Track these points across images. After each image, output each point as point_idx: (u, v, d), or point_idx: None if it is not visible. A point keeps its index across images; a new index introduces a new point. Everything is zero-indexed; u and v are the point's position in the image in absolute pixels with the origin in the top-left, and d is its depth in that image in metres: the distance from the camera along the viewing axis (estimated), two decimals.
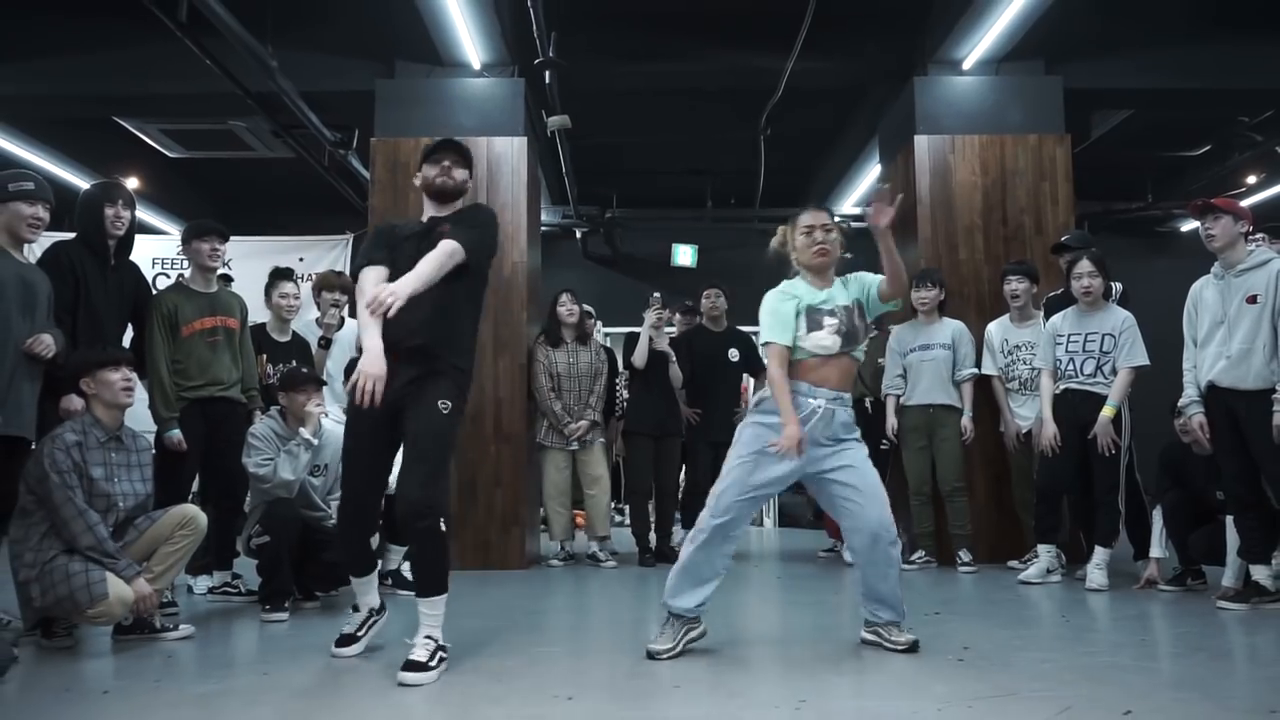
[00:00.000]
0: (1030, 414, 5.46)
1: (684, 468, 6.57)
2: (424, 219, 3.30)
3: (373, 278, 3.10)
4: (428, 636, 2.99)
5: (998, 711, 2.49)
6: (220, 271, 5.21)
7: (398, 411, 3.05)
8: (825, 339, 3.25)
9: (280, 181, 9.16)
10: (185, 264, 8.55)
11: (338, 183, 8.09)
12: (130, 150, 8.08)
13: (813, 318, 3.27)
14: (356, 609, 3.38)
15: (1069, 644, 3.47)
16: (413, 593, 4.67)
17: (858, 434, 3.37)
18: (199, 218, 9.61)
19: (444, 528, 3.00)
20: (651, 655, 3.17)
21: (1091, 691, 2.68)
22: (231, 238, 8.49)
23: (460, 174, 3.29)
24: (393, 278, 3.04)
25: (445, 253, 3.04)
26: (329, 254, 9.07)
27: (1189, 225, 9.83)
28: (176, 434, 4.31)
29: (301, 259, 8.64)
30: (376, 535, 3.37)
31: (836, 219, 3.44)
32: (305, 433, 4.33)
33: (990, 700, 2.60)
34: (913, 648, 3.24)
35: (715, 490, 3.33)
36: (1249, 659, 3.28)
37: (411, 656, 2.92)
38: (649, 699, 2.73)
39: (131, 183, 8.58)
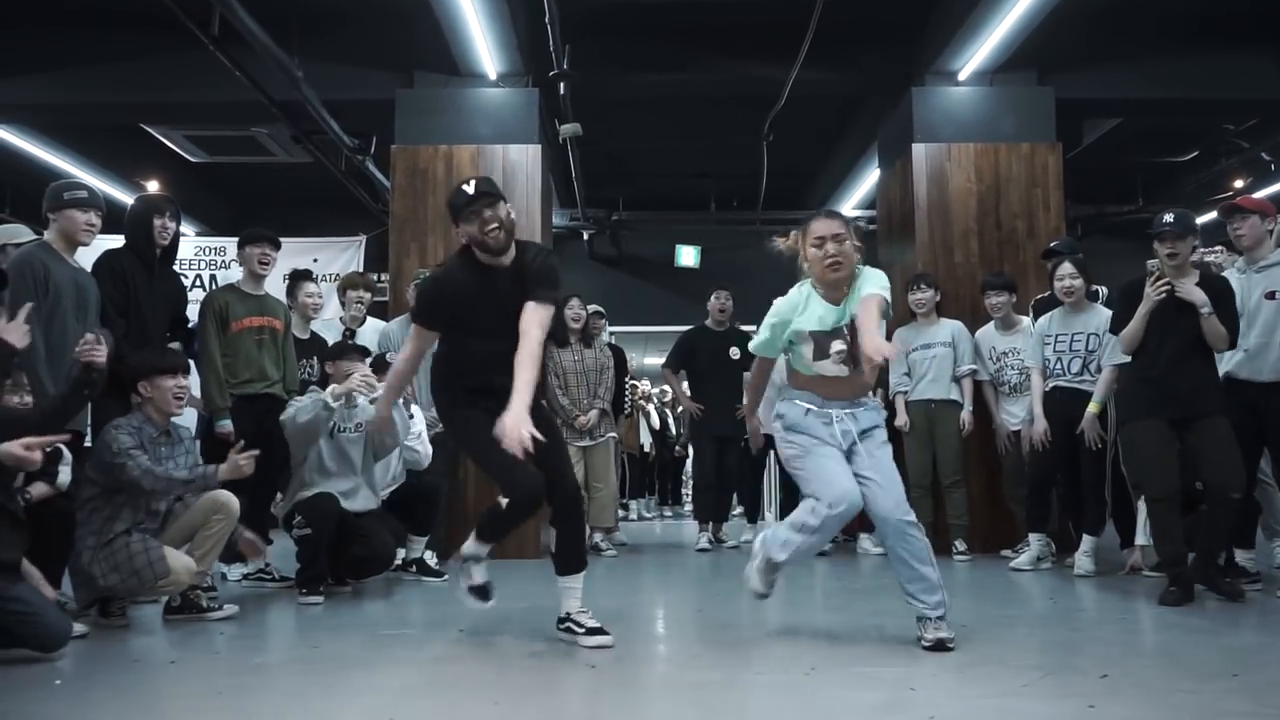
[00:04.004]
0: (1020, 413, 5.72)
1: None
2: (476, 263, 3.25)
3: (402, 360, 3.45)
4: (583, 609, 3.30)
5: (986, 676, 2.76)
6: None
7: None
8: (831, 369, 3.20)
9: (294, 185, 9.43)
10: (202, 264, 8.95)
11: (354, 187, 8.35)
12: (152, 155, 8.35)
13: (820, 344, 3.18)
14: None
15: (1054, 622, 3.75)
16: (436, 580, 5.04)
17: (881, 422, 3.33)
18: (216, 218, 9.92)
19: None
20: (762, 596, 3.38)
21: (1072, 660, 2.96)
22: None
23: (503, 215, 3.16)
24: (467, 335, 3.26)
25: (537, 338, 3.11)
26: (342, 255, 9.35)
27: None
28: (228, 424, 4.59)
29: (316, 260, 8.92)
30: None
31: (851, 223, 3.25)
32: (327, 395, 4.50)
33: (980, 667, 2.87)
34: (938, 646, 3.05)
35: (815, 491, 3.18)
36: (1221, 633, 3.54)
37: (590, 624, 3.22)
38: (671, 664, 2.99)
39: (153, 185, 8.87)
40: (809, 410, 3.24)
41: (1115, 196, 9.51)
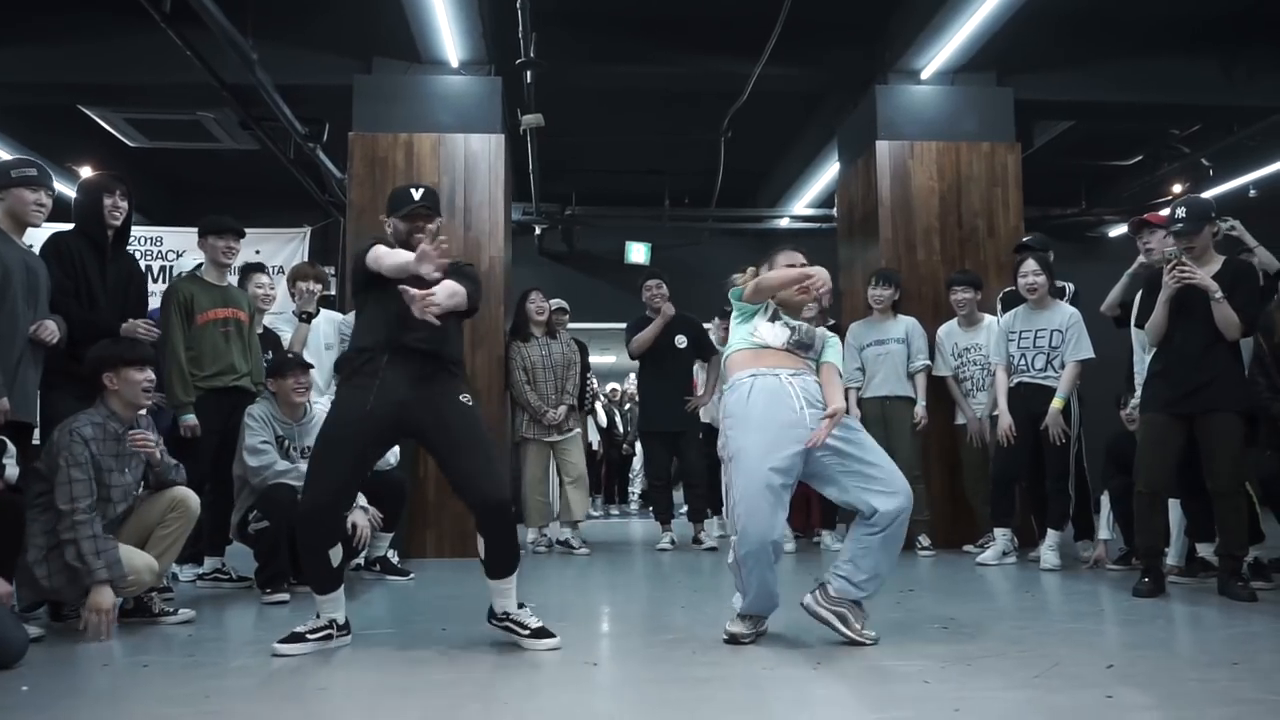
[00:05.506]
0: (980, 409, 5.79)
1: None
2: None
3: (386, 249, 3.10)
4: (521, 605, 3.18)
5: (994, 668, 2.75)
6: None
7: (406, 417, 3.12)
8: (775, 330, 3.23)
9: (234, 174, 9.14)
10: (137, 254, 8.61)
11: (301, 176, 8.10)
12: (87, 139, 7.98)
13: (776, 320, 3.27)
14: (319, 615, 3.16)
15: (1038, 615, 3.77)
16: (401, 578, 4.90)
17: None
18: (152, 207, 9.56)
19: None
20: (734, 639, 3.12)
21: (1071, 652, 2.96)
22: (187, 229, 8.50)
23: (433, 228, 3.21)
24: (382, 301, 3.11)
25: (455, 289, 3.07)
26: (285, 247, 9.09)
27: (1116, 231, 10.38)
28: (191, 419, 4.39)
29: (258, 251, 8.64)
30: (339, 549, 3.15)
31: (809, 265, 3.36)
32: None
33: (984, 659, 2.86)
34: (875, 643, 3.08)
35: (734, 510, 3.09)
36: (1202, 623, 3.60)
37: (534, 625, 3.13)
38: (674, 663, 2.91)
39: (85, 171, 8.49)
40: (756, 374, 3.17)
41: (1059, 199, 9.71)
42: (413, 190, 3.25)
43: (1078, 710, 2.32)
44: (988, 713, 2.31)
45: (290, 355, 4.75)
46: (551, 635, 3.12)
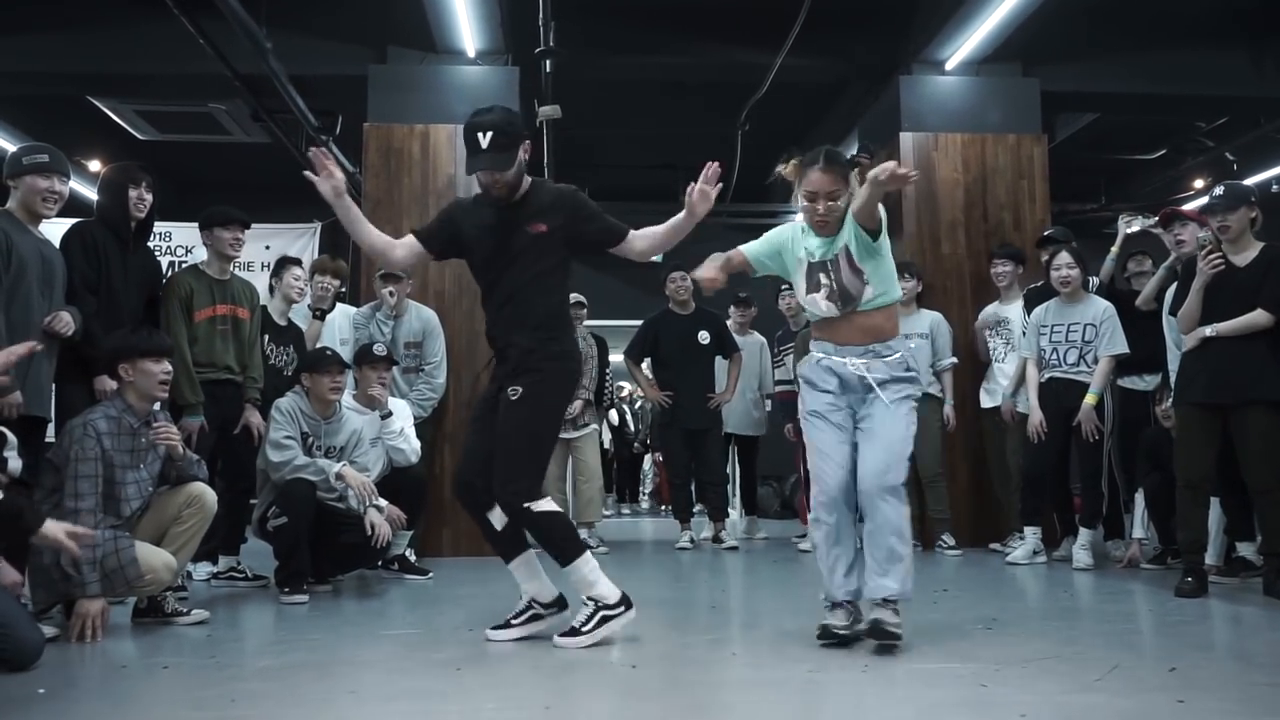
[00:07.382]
0: (1002, 385, 5.66)
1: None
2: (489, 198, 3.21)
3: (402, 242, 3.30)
4: (588, 598, 3.05)
5: (1051, 671, 2.63)
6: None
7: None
8: (821, 304, 3.04)
9: (242, 168, 9.01)
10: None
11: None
12: (94, 131, 7.88)
13: (813, 276, 3.05)
14: (520, 595, 3.19)
15: (1082, 615, 3.66)
16: (420, 577, 4.82)
17: (909, 377, 3.02)
18: (159, 202, 9.45)
19: (543, 508, 3.05)
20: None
21: (1128, 654, 2.84)
22: (195, 225, 8.40)
23: (505, 176, 3.09)
24: (475, 264, 3.28)
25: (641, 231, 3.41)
26: (296, 241, 8.98)
27: (1131, 229, 10.22)
28: (199, 421, 4.25)
29: (268, 246, 8.57)
30: (498, 513, 3.12)
31: (850, 169, 3.10)
32: (331, 474, 4.31)
33: (1039, 662, 2.74)
34: (876, 632, 2.88)
35: (812, 475, 3.10)
36: (1254, 625, 3.48)
37: (572, 623, 3.04)
38: (717, 666, 2.80)
39: (93, 165, 8.39)
40: (820, 359, 3.08)
41: (1078, 194, 9.57)
42: (480, 137, 3.03)
43: (1150, 716, 2.20)
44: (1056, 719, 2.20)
45: (329, 352, 4.64)
46: (553, 618, 3.13)
